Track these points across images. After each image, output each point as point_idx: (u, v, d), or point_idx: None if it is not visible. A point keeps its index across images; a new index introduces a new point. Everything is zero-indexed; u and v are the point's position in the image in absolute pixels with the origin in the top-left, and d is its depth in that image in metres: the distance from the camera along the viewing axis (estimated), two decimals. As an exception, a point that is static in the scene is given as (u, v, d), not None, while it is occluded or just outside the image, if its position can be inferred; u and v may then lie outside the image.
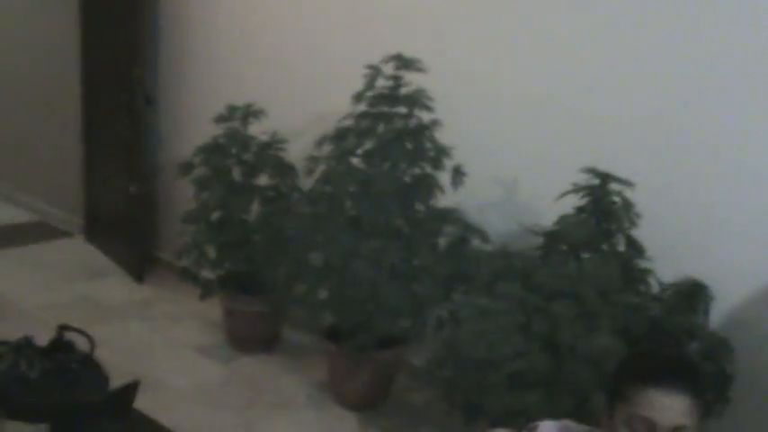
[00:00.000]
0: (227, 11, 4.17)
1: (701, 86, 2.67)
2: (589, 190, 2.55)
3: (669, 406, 1.49)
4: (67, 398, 2.19)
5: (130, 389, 2.23)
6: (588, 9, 2.91)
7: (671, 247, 2.71)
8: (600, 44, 2.88)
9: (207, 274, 3.68)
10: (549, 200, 3.04)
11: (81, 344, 2.40)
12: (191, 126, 4.36)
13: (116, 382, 2.30)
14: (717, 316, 2.64)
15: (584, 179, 2.60)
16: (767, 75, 2.54)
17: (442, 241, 3.10)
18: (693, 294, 2.63)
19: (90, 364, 2.42)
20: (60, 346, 2.41)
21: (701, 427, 1.54)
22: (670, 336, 2.38)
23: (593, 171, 2.56)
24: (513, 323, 2.45)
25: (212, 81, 4.27)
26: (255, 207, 3.60)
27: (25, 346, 2.28)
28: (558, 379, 2.40)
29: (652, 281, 2.63)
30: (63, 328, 2.50)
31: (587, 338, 2.32)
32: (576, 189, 2.56)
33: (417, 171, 3.07)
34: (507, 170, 3.21)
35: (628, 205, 2.53)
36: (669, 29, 2.72)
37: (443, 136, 3.04)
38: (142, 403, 2.31)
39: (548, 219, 2.98)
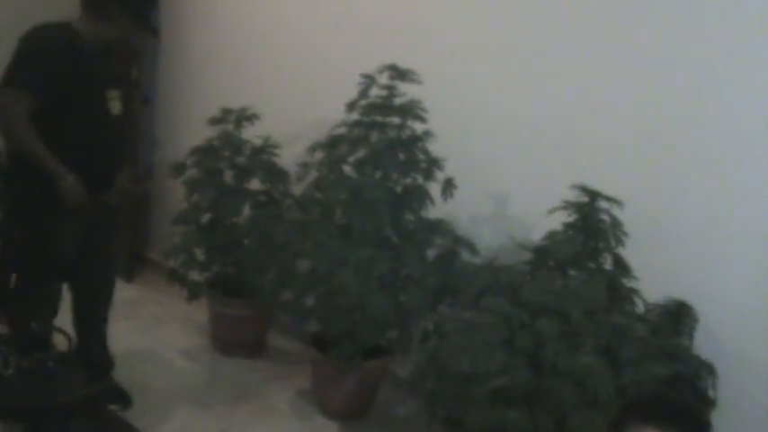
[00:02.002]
0: (226, 15, 4.17)
1: (689, 105, 2.67)
2: (578, 207, 2.53)
3: None
4: (41, 398, 2.17)
5: (103, 391, 2.22)
6: (582, 26, 2.90)
7: (657, 266, 2.70)
8: (593, 60, 2.88)
9: (195, 276, 3.65)
10: (540, 215, 3.02)
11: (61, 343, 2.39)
12: (186, 128, 4.35)
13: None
14: (702, 338, 2.62)
15: (574, 196, 2.59)
16: (756, 91, 2.52)
17: (431, 253, 3.08)
18: (679, 315, 2.62)
19: (67, 363, 2.41)
20: (38, 343, 2.39)
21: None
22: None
23: (582, 188, 2.55)
24: (497, 338, 2.43)
25: (209, 84, 4.27)
26: (246, 211, 3.58)
27: (1, 342, 2.27)
28: (539, 396, 2.38)
29: (638, 300, 2.62)
30: (44, 325, 2.49)
31: (570, 357, 2.30)
32: (565, 206, 2.55)
33: (409, 181, 3.05)
34: (499, 183, 3.20)
35: (616, 224, 2.52)
36: (663, 45, 2.71)
37: (436, 147, 3.03)
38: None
39: (539, 233, 2.97)
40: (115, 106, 2.84)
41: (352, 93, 3.03)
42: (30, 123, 2.49)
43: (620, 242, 2.50)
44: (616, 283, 2.55)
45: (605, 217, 2.53)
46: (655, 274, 2.65)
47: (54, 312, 2.76)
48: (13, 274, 2.62)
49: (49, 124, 2.53)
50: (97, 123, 2.75)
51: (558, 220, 2.64)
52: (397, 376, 3.49)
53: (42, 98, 2.51)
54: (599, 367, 2.24)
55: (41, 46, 2.60)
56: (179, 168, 3.63)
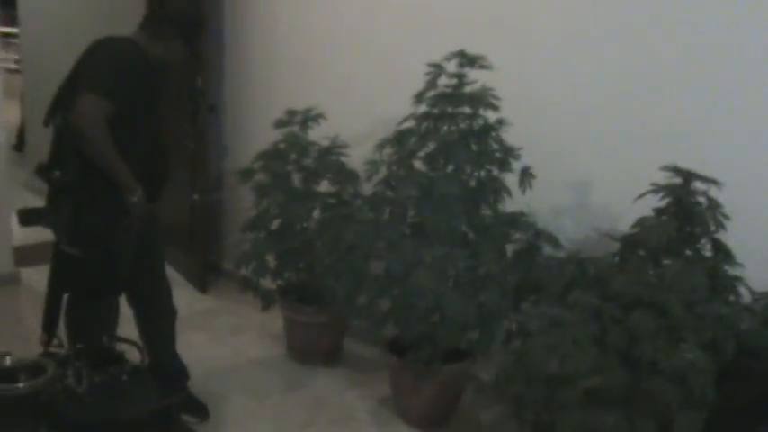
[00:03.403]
0: (289, 19, 4.11)
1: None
2: (670, 190, 2.32)
3: None
4: (115, 412, 2.10)
5: (176, 404, 2.14)
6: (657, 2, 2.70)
7: (764, 251, 2.45)
8: (680, 34, 2.65)
9: (267, 283, 3.58)
10: (625, 203, 2.82)
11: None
12: (253, 134, 4.32)
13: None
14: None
15: (664, 178, 2.38)
16: None
17: (510, 248, 2.92)
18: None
19: (140, 377, 2.34)
20: (111, 357, 2.34)
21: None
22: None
23: (674, 169, 2.34)
24: (587, 335, 2.24)
25: (274, 89, 4.21)
26: (316, 214, 3.49)
27: (73, 358, 2.21)
28: (637, 397, 2.19)
29: (742, 289, 2.39)
30: (112, 338, 2.43)
31: (671, 353, 2.10)
32: (656, 189, 2.34)
33: (482, 174, 2.89)
34: (579, 172, 3.01)
35: (714, 206, 2.30)
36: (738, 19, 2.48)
37: (510, 136, 2.86)
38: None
39: (626, 222, 2.77)
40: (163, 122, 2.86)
41: (420, 86, 2.90)
42: (109, 132, 2.45)
43: (720, 226, 2.27)
44: (717, 272, 2.32)
45: (701, 199, 2.31)
46: (761, 259, 2.41)
47: (115, 325, 2.72)
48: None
49: (117, 135, 2.49)
50: (156, 137, 2.74)
51: (648, 207, 2.43)
52: (479, 380, 3.33)
53: (119, 108, 2.48)
54: (704, 364, 2.03)
55: (122, 56, 2.58)
56: (246, 174, 3.57)
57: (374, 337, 3.18)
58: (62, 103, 2.59)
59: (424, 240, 2.84)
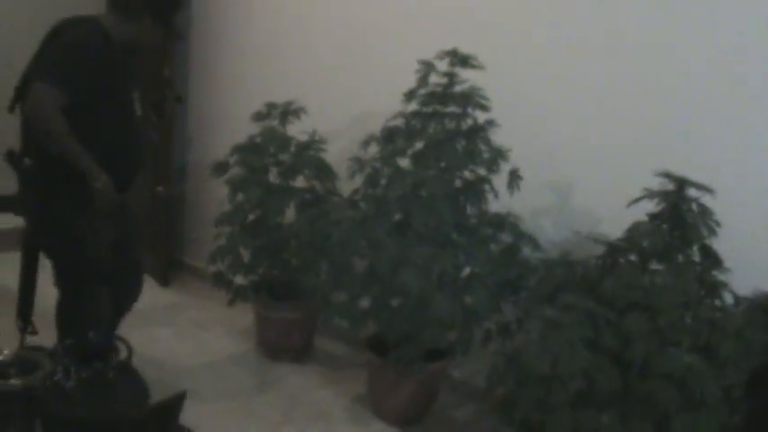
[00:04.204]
0: (262, 5, 4.01)
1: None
2: (665, 196, 2.36)
3: None
4: (108, 411, 2.02)
5: (176, 401, 2.06)
6: (654, 5, 2.74)
7: (745, 257, 2.52)
8: (673, 40, 2.70)
9: (239, 279, 3.50)
10: (607, 206, 2.89)
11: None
12: (222, 126, 4.21)
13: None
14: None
15: (657, 184, 2.42)
16: None
17: (493, 249, 2.92)
18: (770, 309, 2.44)
19: (128, 373, 2.26)
20: (96, 352, 2.24)
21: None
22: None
23: (668, 176, 2.38)
24: (580, 337, 2.26)
25: (246, 80, 4.12)
26: (290, 210, 3.42)
27: (61, 353, 2.11)
28: (631, 399, 2.22)
29: (726, 294, 2.45)
30: (102, 334, 2.34)
31: (668, 356, 2.13)
32: (651, 194, 2.38)
33: (468, 174, 2.89)
34: (562, 174, 3.03)
35: (706, 213, 2.34)
36: (736, 25, 2.54)
37: (497, 137, 2.86)
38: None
39: (606, 227, 2.82)
40: (138, 107, 2.77)
41: (403, 84, 2.87)
42: (64, 120, 2.35)
43: (712, 232, 2.32)
44: (704, 277, 2.37)
45: (694, 206, 2.36)
46: (744, 265, 2.47)
47: (103, 320, 2.64)
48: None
49: (78, 123, 2.40)
50: (123, 124, 2.64)
51: (631, 212, 2.46)
52: (453, 379, 3.33)
53: (74, 97, 2.38)
54: (702, 366, 2.07)
55: (77, 43, 2.47)
56: (221, 167, 3.48)
57: (353, 335, 3.14)
58: (23, 90, 2.49)
59: (409, 239, 2.82)
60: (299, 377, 3.40)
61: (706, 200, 2.37)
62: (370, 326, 3.02)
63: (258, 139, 3.43)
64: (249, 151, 3.40)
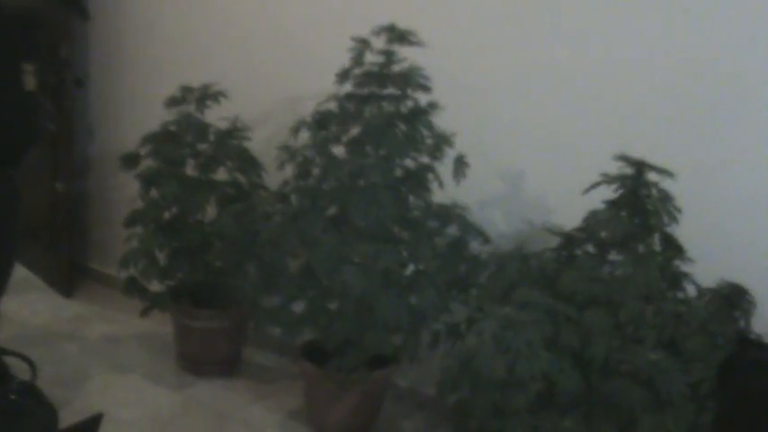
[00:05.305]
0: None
1: (742, 49, 2.59)
2: (623, 181, 2.43)
3: None
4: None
5: (90, 425, 2.02)
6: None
7: (707, 246, 2.62)
8: (621, 14, 2.78)
9: (154, 286, 3.44)
10: (560, 194, 2.95)
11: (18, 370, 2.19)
12: (130, 113, 4.13)
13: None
14: (760, 324, 2.56)
15: (615, 168, 2.48)
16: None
17: (439, 243, 2.95)
18: (734, 300, 2.54)
19: (32, 395, 2.20)
20: (-5, 375, 2.17)
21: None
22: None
23: (626, 159, 2.45)
24: (538, 337, 2.31)
25: (157, 61, 4.04)
26: (211, 207, 3.39)
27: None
28: (594, 400, 2.28)
29: (688, 285, 2.54)
30: (-4, 351, 2.27)
31: (631, 353, 2.20)
32: (608, 180, 2.44)
33: (411, 162, 2.91)
34: (511, 160, 3.08)
35: (666, 198, 2.42)
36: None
37: (442, 121, 2.89)
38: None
39: (560, 216, 2.88)
40: (30, 81, 2.70)
41: (333, 62, 2.87)
42: None
43: (673, 219, 2.40)
44: (668, 267, 2.46)
45: (654, 191, 2.44)
46: (706, 254, 2.56)
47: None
48: None
49: None
50: (7, 96, 2.57)
51: (586, 200, 2.52)
52: (398, 387, 3.36)
53: None
54: (668, 363, 2.15)
55: None
56: (129, 159, 3.42)
57: (287, 343, 3.14)
58: None
59: (347, 235, 2.82)
60: (228, 392, 3.38)
61: (667, 184, 2.45)
62: (306, 332, 3.02)
63: (173, 128, 3.37)
64: (163, 141, 3.35)
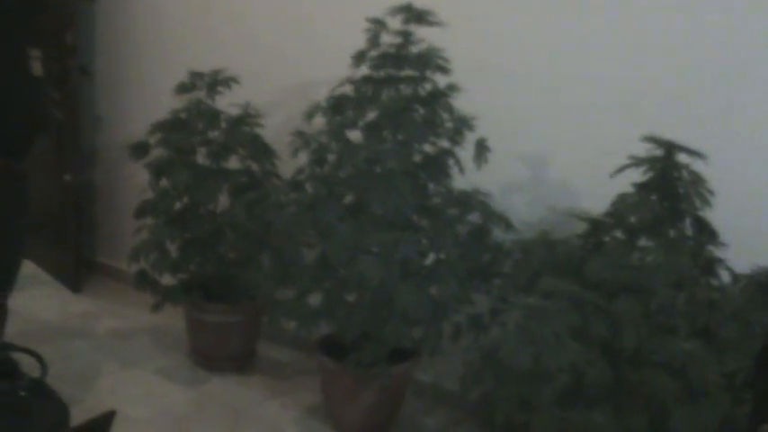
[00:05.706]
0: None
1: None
2: (652, 163, 2.41)
3: None
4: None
5: (103, 423, 2.03)
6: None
7: (742, 230, 2.59)
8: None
9: (165, 279, 3.46)
10: (586, 178, 2.94)
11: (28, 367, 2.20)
12: (139, 100, 4.15)
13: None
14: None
15: (644, 150, 2.46)
16: None
17: (460, 231, 2.94)
18: (770, 287, 2.52)
19: (42, 392, 2.21)
20: (4, 370, 2.19)
21: None
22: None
23: (655, 140, 2.42)
24: (566, 327, 2.29)
25: (166, 46, 4.05)
26: (224, 196, 3.40)
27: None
28: (624, 392, 2.27)
29: (722, 271, 2.51)
30: (5, 347, 2.29)
31: (664, 342, 2.18)
32: (637, 162, 2.42)
33: (431, 147, 2.90)
34: (535, 145, 3.07)
35: (698, 181, 2.40)
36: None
37: (462, 104, 2.88)
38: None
39: (585, 201, 2.87)
40: (36, 67, 2.71)
41: (349, 44, 2.87)
42: None
43: (705, 202, 2.38)
44: (699, 253, 2.43)
45: (684, 173, 2.41)
46: (740, 239, 2.54)
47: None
48: None
49: None
50: (13, 81, 2.58)
51: (614, 183, 2.50)
52: (419, 382, 3.36)
53: None
54: (702, 353, 2.13)
55: None
56: (140, 149, 3.43)
57: (303, 337, 3.14)
58: None
59: (364, 224, 2.82)
60: (243, 389, 3.40)
61: (698, 166, 2.43)
62: (323, 326, 3.02)
63: (183, 115, 3.39)
64: (173, 129, 3.37)
